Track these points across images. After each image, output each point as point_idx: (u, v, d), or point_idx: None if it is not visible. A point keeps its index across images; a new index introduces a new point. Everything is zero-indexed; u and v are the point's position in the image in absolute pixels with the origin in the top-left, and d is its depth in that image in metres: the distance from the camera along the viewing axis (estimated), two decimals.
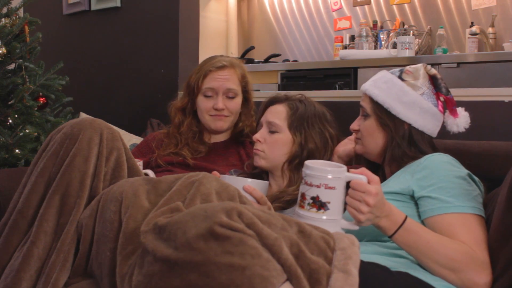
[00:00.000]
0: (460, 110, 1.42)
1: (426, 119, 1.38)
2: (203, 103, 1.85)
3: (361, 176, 1.11)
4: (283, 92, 1.73)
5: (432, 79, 1.40)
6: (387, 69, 1.48)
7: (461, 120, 1.41)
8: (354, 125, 1.49)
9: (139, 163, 1.62)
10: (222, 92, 1.83)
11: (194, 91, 1.86)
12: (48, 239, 1.23)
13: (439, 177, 1.24)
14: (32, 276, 1.20)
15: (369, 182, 1.11)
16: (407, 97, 1.37)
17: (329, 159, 1.63)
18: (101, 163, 1.31)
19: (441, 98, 1.41)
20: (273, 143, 1.63)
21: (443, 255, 1.12)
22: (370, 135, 1.44)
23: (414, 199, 1.27)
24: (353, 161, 1.61)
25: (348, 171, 1.15)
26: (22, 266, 1.19)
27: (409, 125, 1.37)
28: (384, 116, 1.39)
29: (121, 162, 1.35)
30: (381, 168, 1.46)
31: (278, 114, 1.64)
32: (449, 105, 1.40)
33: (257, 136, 1.64)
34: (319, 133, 1.63)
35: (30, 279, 1.19)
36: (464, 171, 1.28)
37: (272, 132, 1.63)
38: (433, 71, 1.41)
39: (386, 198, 1.26)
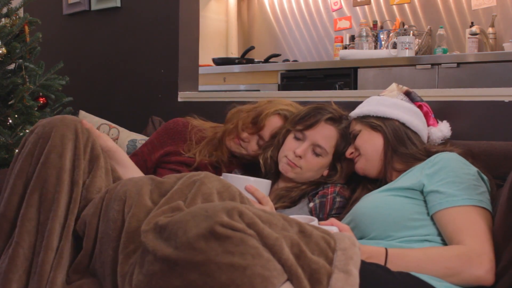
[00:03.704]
0: (439, 121, 1.53)
1: (412, 115, 1.46)
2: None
3: (332, 227, 1.14)
4: (334, 106, 1.62)
5: (406, 94, 1.52)
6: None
7: (443, 126, 1.51)
8: (348, 152, 1.52)
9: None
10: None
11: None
12: (32, 238, 1.23)
13: (449, 173, 1.26)
14: (21, 277, 1.20)
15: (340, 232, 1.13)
16: (388, 101, 1.49)
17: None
18: (79, 157, 1.30)
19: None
20: (313, 164, 1.56)
21: (437, 268, 1.13)
22: (366, 142, 1.47)
23: (424, 195, 1.28)
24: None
25: (318, 224, 1.17)
26: (9, 267, 1.19)
27: (398, 120, 1.44)
28: (373, 120, 1.46)
29: (97, 154, 1.33)
30: (383, 179, 1.47)
31: (329, 140, 1.56)
32: (428, 115, 1.51)
33: (299, 152, 1.54)
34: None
35: (19, 279, 1.19)
36: (473, 169, 1.30)
37: (316, 154, 1.55)
38: (405, 88, 1.55)
39: (396, 194, 1.30)
